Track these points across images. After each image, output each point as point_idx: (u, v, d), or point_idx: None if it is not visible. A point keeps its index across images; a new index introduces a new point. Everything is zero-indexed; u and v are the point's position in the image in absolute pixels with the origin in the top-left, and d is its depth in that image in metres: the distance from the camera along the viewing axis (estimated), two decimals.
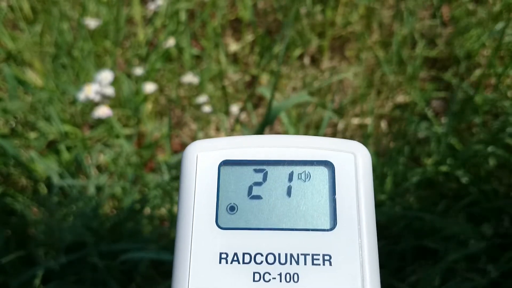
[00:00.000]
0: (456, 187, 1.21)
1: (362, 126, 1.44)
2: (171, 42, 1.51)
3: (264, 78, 1.57)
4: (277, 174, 0.38)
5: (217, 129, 1.50)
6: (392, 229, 1.13)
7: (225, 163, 0.38)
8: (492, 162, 1.20)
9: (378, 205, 1.19)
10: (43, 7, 1.64)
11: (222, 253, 0.36)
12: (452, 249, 1.04)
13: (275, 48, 1.62)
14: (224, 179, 0.38)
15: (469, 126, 1.35)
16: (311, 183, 0.37)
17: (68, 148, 1.36)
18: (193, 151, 0.38)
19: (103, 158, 1.35)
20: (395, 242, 1.11)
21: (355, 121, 1.46)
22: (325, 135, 1.39)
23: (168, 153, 1.35)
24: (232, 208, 0.37)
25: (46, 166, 1.25)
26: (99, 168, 1.37)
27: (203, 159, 0.38)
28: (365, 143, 1.31)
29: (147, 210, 1.25)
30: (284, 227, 0.36)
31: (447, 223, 1.07)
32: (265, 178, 0.38)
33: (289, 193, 0.37)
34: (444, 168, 1.21)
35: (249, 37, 1.67)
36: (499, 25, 1.38)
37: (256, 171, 0.38)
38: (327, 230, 0.36)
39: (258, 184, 0.38)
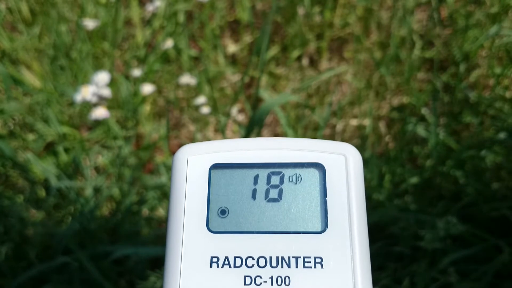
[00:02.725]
0: (454, 188, 1.21)
1: (360, 127, 1.44)
2: (169, 43, 1.51)
3: (263, 79, 1.57)
4: (268, 177, 0.38)
5: (216, 130, 1.50)
6: (390, 230, 1.13)
7: (216, 166, 0.38)
8: (489, 163, 1.19)
9: (376, 205, 1.19)
10: (42, 9, 1.64)
11: (213, 257, 0.35)
12: (450, 250, 1.04)
13: (273, 49, 1.62)
14: (214, 182, 0.38)
15: (468, 127, 1.35)
16: (302, 185, 0.37)
17: (66, 150, 1.36)
18: (184, 155, 0.38)
19: (101, 159, 1.35)
20: (393, 243, 1.11)
21: (354, 122, 1.46)
22: (323, 136, 1.39)
23: (167, 155, 1.35)
24: (223, 212, 0.37)
25: (43, 168, 1.25)
26: (97, 169, 1.37)
27: (194, 162, 0.38)
28: (363, 144, 1.31)
29: (145, 212, 1.25)
30: (275, 230, 0.36)
31: (444, 224, 1.07)
32: (256, 181, 0.38)
33: (280, 195, 0.37)
34: (441, 169, 1.21)
35: (247, 38, 1.67)
36: (496, 27, 1.38)
37: (247, 174, 0.38)
38: (318, 232, 0.36)
39: (249, 187, 0.37)
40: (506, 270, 1.02)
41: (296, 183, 0.37)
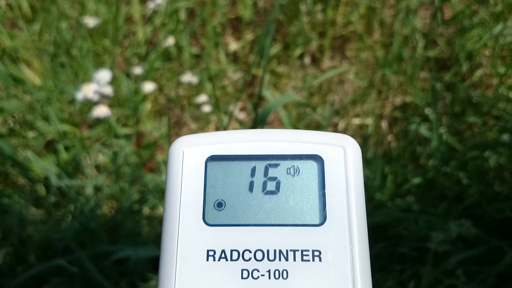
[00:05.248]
0: (457, 188, 1.20)
1: (362, 127, 1.43)
2: (170, 41, 1.51)
3: (265, 77, 1.57)
4: (265, 169, 0.37)
5: (217, 129, 1.49)
6: (393, 230, 1.12)
7: (212, 158, 0.37)
8: (492, 164, 1.19)
9: (378, 206, 1.18)
10: (42, 6, 1.63)
11: (210, 250, 0.35)
12: (453, 252, 1.03)
13: (275, 47, 1.62)
14: (211, 175, 0.37)
15: (471, 127, 1.34)
16: (300, 177, 0.37)
17: (67, 148, 1.36)
18: (179, 147, 0.38)
19: (102, 158, 1.35)
20: (395, 244, 1.10)
21: (356, 121, 1.45)
22: None
23: (167, 153, 1.34)
24: (219, 204, 0.36)
25: (43, 166, 1.24)
26: (98, 168, 1.36)
27: (190, 154, 0.38)
28: (365, 144, 1.30)
29: (146, 210, 1.24)
30: (272, 222, 0.36)
31: (448, 225, 1.06)
32: (253, 173, 0.37)
33: (278, 188, 0.37)
34: (444, 169, 1.20)
35: (249, 36, 1.67)
36: (500, 26, 1.37)
37: (244, 166, 0.37)
38: (317, 225, 0.35)
39: (246, 179, 0.37)
40: (508, 272, 1.01)
41: (294, 175, 0.37)
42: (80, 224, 1.14)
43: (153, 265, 1.14)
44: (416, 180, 1.21)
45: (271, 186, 0.37)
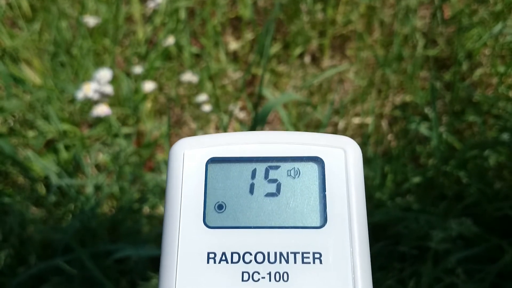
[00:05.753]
0: (457, 187, 1.20)
1: (362, 126, 1.43)
2: (170, 40, 1.50)
3: (264, 76, 1.57)
4: (266, 171, 0.37)
5: (217, 128, 1.49)
6: (393, 229, 1.13)
7: (213, 160, 0.37)
8: (492, 163, 1.19)
9: (378, 205, 1.18)
10: (42, 5, 1.63)
11: (210, 252, 0.35)
12: (452, 250, 1.03)
13: (275, 46, 1.61)
14: (211, 177, 0.37)
15: (470, 126, 1.34)
16: (301, 179, 0.37)
17: (67, 147, 1.36)
18: (180, 149, 0.38)
19: (102, 157, 1.35)
20: (396, 243, 1.10)
21: (356, 120, 1.45)
22: None
23: (167, 152, 1.34)
24: (220, 207, 0.36)
25: (44, 166, 1.24)
26: (98, 167, 1.36)
27: (190, 156, 0.37)
28: (365, 143, 1.30)
29: (146, 210, 1.24)
30: (273, 225, 0.35)
31: (448, 223, 1.06)
32: (253, 175, 0.37)
33: (278, 190, 0.36)
34: (444, 168, 1.20)
35: (249, 35, 1.67)
36: (500, 25, 1.37)
37: (244, 168, 0.37)
38: (317, 227, 0.35)
39: (246, 181, 0.37)
40: (508, 270, 1.01)
41: (295, 177, 0.37)
42: (80, 223, 1.14)
43: (154, 264, 1.14)
44: (416, 179, 1.21)
45: (271, 188, 0.36)
